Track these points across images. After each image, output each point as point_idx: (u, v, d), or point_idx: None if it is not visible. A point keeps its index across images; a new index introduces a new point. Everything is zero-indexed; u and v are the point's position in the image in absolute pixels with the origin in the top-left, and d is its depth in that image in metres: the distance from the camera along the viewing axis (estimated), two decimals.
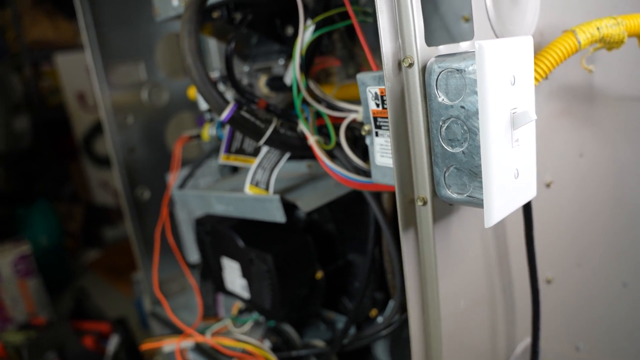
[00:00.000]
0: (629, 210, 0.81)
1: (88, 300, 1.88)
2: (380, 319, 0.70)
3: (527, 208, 0.51)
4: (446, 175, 0.42)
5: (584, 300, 0.77)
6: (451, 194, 0.42)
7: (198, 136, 0.83)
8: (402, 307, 0.61)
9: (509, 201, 0.41)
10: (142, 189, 1.02)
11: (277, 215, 0.57)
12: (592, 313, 0.82)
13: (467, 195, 0.41)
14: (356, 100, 0.61)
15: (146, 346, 0.77)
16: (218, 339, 0.70)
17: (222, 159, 0.65)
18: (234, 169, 0.93)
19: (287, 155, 0.61)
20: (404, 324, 0.66)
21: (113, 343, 1.36)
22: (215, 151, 0.87)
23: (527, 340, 0.63)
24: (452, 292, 0.48)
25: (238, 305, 0.80)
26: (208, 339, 0.71)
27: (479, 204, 0.41)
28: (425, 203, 0.43)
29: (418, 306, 0.47)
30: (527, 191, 0.44)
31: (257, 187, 0.61)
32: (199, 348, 0.88)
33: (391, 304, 0.72)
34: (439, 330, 0.46)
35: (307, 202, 0.58)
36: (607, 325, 0.88)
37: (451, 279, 0.47)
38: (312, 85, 0.60)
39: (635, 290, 1.02)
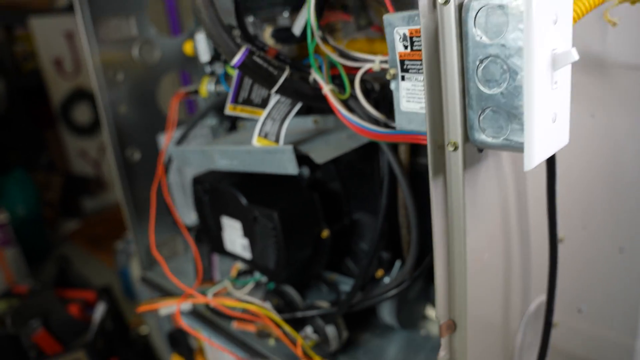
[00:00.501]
0: (629, 176, 0.81)
1: (71, 268, 1.83)
2: (386, 280, 0.69)
3: (551, 159, 0.49)
4: (481, 118, 0.40)
5: (587, 263, 0.77)
6: (486, 137, 0.40)
7: (195, 92, 0.80)
8: (415, 265, 0.59)
9: (547, 145, 0.39)
10: (132, 150, 0.98)
11: (289, 167, 0.55)
12: (594, 276, 0.82)
13: (503, 139, 0.39)
14: None
15: (143, 308, 0.74)
16: (220, 299, 0.68)
17: (229, 109, 0.62)
18: (230, 129, 0.90)
19: (298, 105, 0.58)
20: (413, 284, 0.65)
21: (99, 311, 1.33)
22: (212, 109, 0.83)
23: (540, 299, 0.62)
24: (478, 243, 0.46)
25: (237, 266, 0.78)
26: (210, 299, 0.69)
27: (516, 147, 0.39)
28: (456, 148, 0.41)
29: (444, 257, 0.45)
30: (561, 137, 0.42)
31: (265, 139, 0.58)
32: (194, 313, 0.86)
33: (397, 264, 0.71)
34: (465, 282, 0.45)
35: (321, 154, 0.55)
36: (606, 289, 0.88)
37: (477, 230, 0.45)
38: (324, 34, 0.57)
39: (630, 255, 1.02)
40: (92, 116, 3.05)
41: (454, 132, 0.41)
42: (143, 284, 1.02)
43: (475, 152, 0.44)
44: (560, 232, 0.64)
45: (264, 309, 0.65)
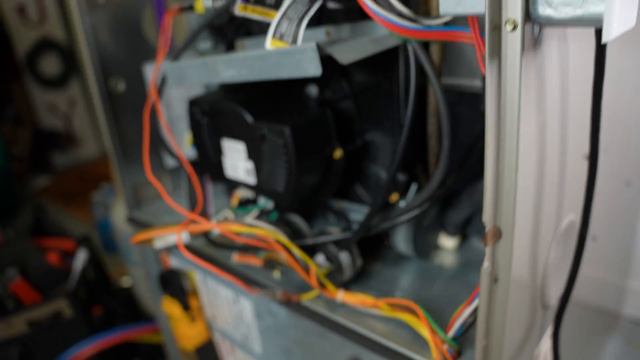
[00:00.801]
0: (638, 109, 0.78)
1: (47, 217, 1.75)
2: (402, 204, 0.65)
3: (600, 52, 0.45)
4: None
5: (601, 189, 0.74)
6: (552, 12, 0.36)
7: (190, 7, 0.73)
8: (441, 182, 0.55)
9: (624, 17, 0.35)
10: (116, 80, 0.91)
11: (311, 68, 0.49)
12: (603, 205, 0.80)
13: (576, 10, 0.35)
14: None
15: (139, 237, 0.69)
16: (225, 224, 0.63)
17: (239, 9, 0.56)
18: (227, 51, 0.84)
19: (318, 3, 0.52)
20: (431, 208, 0.61)
21: (80, 259, 1.26)
22: (207, 26, 0.76)
23: (570, 218, 0.59)
24: (528, 140, 0.42)
25: (238, 195, 0.73)
26: (214, 224, 0.63)
27: (590, 19, 0.34)
28: (515, 27, 0.37)
29: (495, 152, 0.41)
30: (631, 17, 0.37)
31: (281, 41, 0.52)
32: (190, 249, 0.81)
33: (413, 187, 0.66)
34: (514, 182, 0.41)
35: (345, 54, 0.50)
36: (610, 222, 0.87)
37: (528, 125, 0.41)
38: None
39: (636, 190, 1.01)
40: (61, 68, 2.91)
41: (514, 8, 0.36)
42: (129, 224, 0.96)
43: (530, 36, 0.40)
44: (587, 149, 0.61)
45: (274, 233, 0.61)
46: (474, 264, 0.69)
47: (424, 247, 0.69)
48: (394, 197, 0.65)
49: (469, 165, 0.58)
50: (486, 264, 0.44)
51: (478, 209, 0.66)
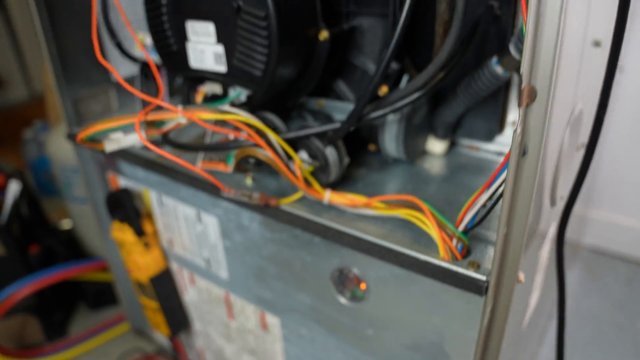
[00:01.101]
0: None
1: None
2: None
3: None
4: None
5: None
6: None
7: None
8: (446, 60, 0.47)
9: None
10: None
11: None
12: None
13: None
14: None
15: (87, 132, 0.58)
16: (193, 111, 0.53)
17: None
18: None
19: None
20: (420, 109, 0.54)
21: (12, 191, 1.13)
22: None
23: (580, 106, 0.53)
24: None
25: (203, 91, 0.63)
26: (181, 110, 0.53)
27: None
28: None
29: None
30: None
31: None
32: (144, 162, 0.71)
33: (405, 78, 0.59)
34: (556, 26, 0.34)
35: None
36: None
37: None
38: None
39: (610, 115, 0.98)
40: None
41: None
42: (70, 141, 0.85)
43: None
44: (598, 34, 0.55)
45: (251, 119, 0.52)
46: (466, 167, 0.63)
47: (413, 149, 0.62)
48: (383, 89, 0.57)
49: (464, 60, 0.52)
50: (518, 129, 0.37)
51: (472, 105, 0.60)
